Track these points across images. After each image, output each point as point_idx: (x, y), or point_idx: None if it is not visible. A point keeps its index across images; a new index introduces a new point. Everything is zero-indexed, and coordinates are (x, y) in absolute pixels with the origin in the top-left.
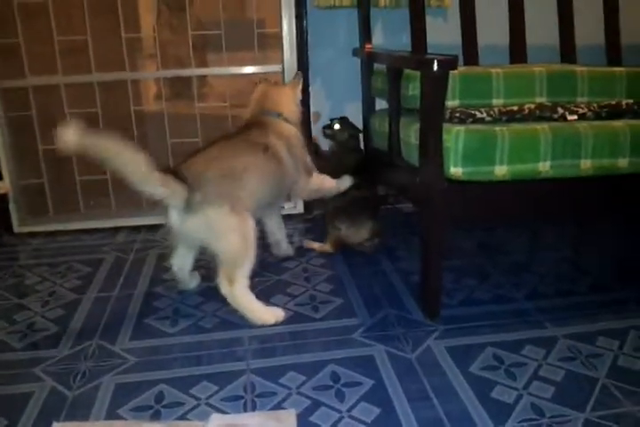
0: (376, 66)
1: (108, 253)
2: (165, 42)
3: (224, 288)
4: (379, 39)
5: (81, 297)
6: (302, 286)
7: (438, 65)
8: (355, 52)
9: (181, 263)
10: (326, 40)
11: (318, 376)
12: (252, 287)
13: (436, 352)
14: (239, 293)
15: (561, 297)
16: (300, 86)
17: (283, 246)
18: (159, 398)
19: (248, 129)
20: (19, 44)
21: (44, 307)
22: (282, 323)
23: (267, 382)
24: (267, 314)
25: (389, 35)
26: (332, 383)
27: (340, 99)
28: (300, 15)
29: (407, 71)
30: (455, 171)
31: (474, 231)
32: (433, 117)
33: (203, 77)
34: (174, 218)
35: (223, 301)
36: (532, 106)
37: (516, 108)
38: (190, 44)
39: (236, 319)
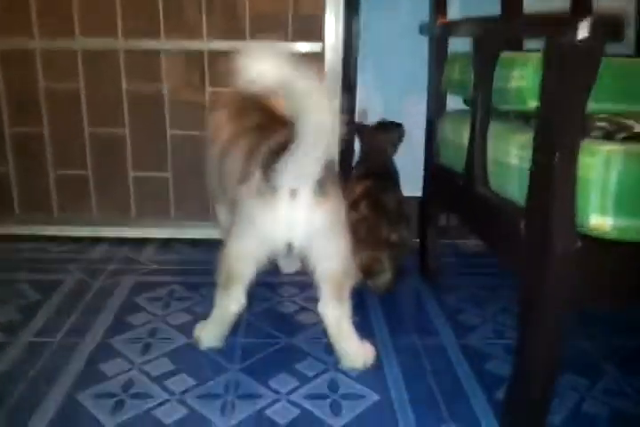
0: (452, 49)
1: (70, 274)
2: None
3: (334, 311)
4: (453, 15)
5: (9, 341)
6: (321, 362)
7: (591, 29)
8: (422, 29)
9: (238, 306)
10: (382, 14)
11: None
12: (251, 353)
13: None
14: (349, 316)
15: None
16: None
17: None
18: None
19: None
20: None
21: None
22: None
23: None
24: (369, 350)
25: (468, 8)
26: None
27: (396, 94)
28: None
29: (505, 54)
30: (600, 221)
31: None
32: (563, 127)
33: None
34: (302, 201)
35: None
36: None
37: None
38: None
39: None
